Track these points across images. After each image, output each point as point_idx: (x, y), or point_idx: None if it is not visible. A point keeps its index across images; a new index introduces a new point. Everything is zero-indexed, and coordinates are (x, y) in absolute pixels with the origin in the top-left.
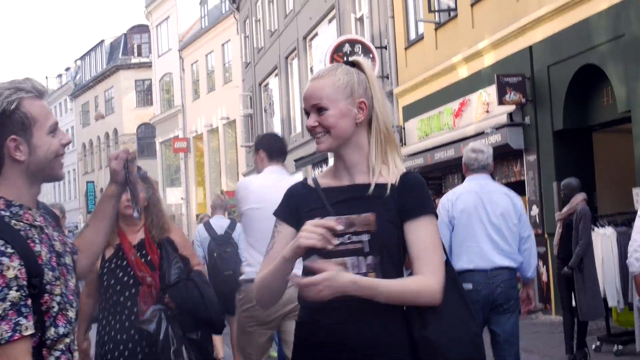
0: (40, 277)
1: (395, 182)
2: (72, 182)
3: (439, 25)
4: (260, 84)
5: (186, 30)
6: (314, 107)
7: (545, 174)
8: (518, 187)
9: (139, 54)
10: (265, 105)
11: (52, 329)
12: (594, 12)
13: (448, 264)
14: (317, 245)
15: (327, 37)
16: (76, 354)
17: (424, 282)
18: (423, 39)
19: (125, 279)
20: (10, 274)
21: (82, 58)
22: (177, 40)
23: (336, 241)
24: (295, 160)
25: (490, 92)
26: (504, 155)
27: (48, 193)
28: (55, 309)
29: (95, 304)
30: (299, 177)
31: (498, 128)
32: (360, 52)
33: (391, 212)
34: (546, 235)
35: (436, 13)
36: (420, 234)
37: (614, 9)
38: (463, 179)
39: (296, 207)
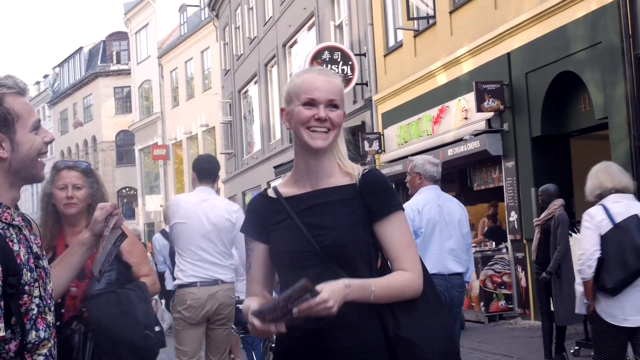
0: (18, 276)
1: (357, 182)
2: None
3: (417, 33)
4: (239, 91)
5: (165, 37)
6: (329, 102)
7: (524, 180)
8: (496, 193)
9: (118, 61)
10: (244, 112)
11: (33, 332)
12: (571, 19)
13: None
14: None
15: (306, 45)
16: None
17: (407, 276)
18: (402, 46)
19: None
20: None
21: (61, 65)
22: (156, 47)
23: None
24: (275, 167)
25: (468, 99)
26: (482, 162)
27: (27, 201)
28: (35, 312)
29: None
30: (223, 200)
31: (476, 134)
32: (339, 59)
33: (357, 214)
34: (525, 241)
35: (415, 21)
36: (393, 233)
37: (591, 17)
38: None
39: (262, 222)
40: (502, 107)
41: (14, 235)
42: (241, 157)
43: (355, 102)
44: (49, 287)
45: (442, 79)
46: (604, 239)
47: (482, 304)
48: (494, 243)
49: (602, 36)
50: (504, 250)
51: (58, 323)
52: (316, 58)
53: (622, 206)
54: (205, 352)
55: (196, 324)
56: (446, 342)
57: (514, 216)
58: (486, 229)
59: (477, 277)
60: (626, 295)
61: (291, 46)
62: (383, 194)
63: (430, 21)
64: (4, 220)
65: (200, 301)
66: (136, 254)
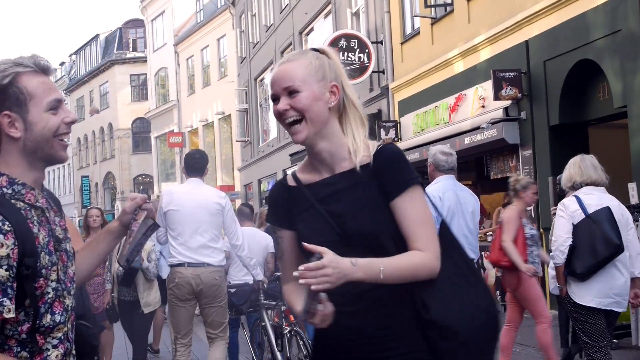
0: (35, 257)
1: (370, 160)
2: (67, 177)
3: (435, 20)
4: (255, 79)
5: (181, 24)
6: (285, 90)
7: (541, 169)
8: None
9: (134, 49)
10: (260, 100)
11: (48, 316)
12: (591, 7)
13: (440, 234)
14: (329, 287)
15: (323, 32)
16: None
17: (419, 256)
18: (419, 33)
19: None
20: (2, 251)
21: (77, 52)
22: (173, 34)
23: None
24: (291, 155)
25: (486, 87)
26: (499, 150)
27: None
28: (51, 295)
29: None
30: (211, 188)
31: (494, 123)
32: (356, 47)
33: (376, 195)
34: (542, 230)
35: (432, 8)
36: (407, 210)
37: (611, 4)
38: None
39: (286, 210)
40: (519, 95)
41: (35, 218)
42: (257, 145)
43: (371, 90)
44: (70, 271)
45: (459, 66)
46: (576, 228)
47: (497, 292)
48: None
49: (622, 24)
50: None
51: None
52: (333, 46)
53: (595, 198)
54: (206, 329)
55: (185, 300)
56: (480, 315)
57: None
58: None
59: (493, 266)
60: (595, 280)
61: (307, 34)
62: (397, 169)
63: (448, 9)
64: (27, 201)
65: (186, 280)
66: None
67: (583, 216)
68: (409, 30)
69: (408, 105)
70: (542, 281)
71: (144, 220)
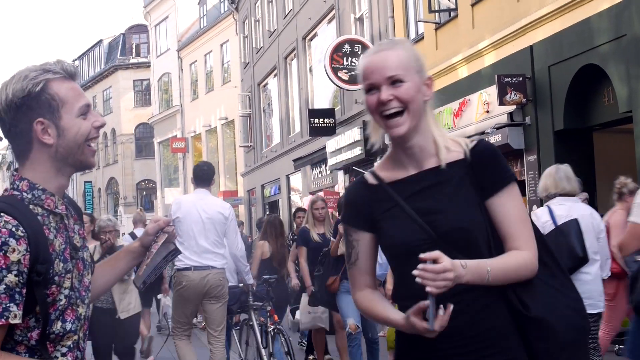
0: (47, 264)
1: (467, 156)
2: (70, 182)
3: (439, 26)
4: (259, 84)
5: (185, 30)
6: (388, 80)
7: None
8: (518, 187)
9: (138, 54)
10: (264, 105)
11: (59, 323)
12: (595, 12)
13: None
14: (442, 291)
15: (326, 37)
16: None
17: (522, 255)
18: (423, 39)
19: None
20: (14, 257)
21: (80, 58)
22: (176, 40)
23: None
24: (294, 160)
25: (490, 92)
26: (504, 155)
27: None
28: (63, 302)
29: None
30: (217, 199)
31: (498, 128)
32: (360, 52)
33: (470, 192)
34: None
35: (436, 13)
36: (508, 208)
37: (615, 9)
38: None
39: (366, 212)
40: (524, 100)
41: (53, 224)
42: (260, 150)
43: None
44: (85, 280)
45: (463, 72)
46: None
47: None
48: None
49: (627, 28)
50: None
51: None
52: (337, 51)
53: (565, 209)
54: (206, 328)
55: (190, 300)
56: (577, 318)
57: (535, 210)
58: None
59: None
60: None
61: (311, 39)
62: (496, 165)
63: (452, 14)
64: (46, 207)
65: (194, 282)
66: None
67: (553, 227)
68: (412, 36)
69: None
70: None
71: (164, 243)
